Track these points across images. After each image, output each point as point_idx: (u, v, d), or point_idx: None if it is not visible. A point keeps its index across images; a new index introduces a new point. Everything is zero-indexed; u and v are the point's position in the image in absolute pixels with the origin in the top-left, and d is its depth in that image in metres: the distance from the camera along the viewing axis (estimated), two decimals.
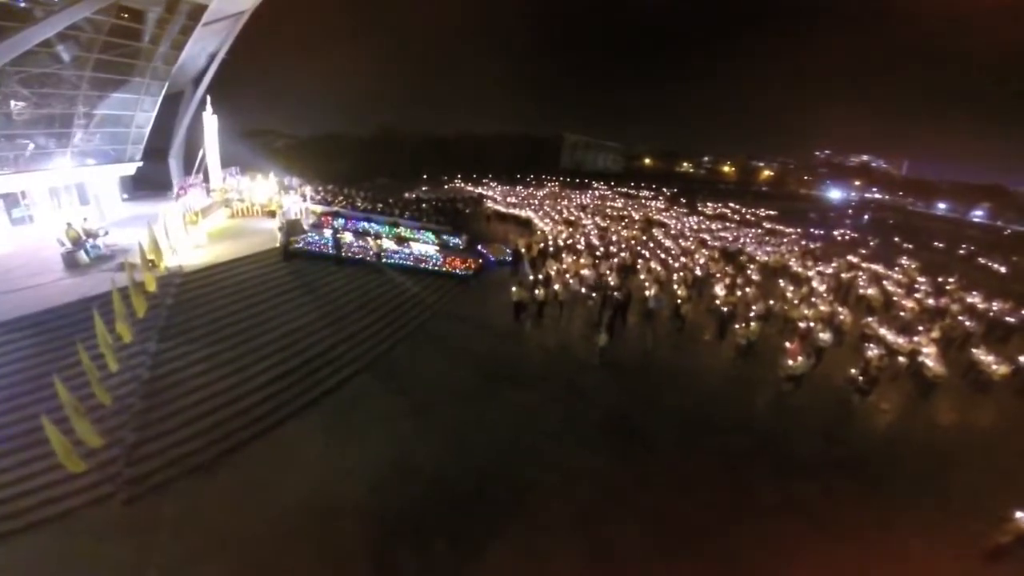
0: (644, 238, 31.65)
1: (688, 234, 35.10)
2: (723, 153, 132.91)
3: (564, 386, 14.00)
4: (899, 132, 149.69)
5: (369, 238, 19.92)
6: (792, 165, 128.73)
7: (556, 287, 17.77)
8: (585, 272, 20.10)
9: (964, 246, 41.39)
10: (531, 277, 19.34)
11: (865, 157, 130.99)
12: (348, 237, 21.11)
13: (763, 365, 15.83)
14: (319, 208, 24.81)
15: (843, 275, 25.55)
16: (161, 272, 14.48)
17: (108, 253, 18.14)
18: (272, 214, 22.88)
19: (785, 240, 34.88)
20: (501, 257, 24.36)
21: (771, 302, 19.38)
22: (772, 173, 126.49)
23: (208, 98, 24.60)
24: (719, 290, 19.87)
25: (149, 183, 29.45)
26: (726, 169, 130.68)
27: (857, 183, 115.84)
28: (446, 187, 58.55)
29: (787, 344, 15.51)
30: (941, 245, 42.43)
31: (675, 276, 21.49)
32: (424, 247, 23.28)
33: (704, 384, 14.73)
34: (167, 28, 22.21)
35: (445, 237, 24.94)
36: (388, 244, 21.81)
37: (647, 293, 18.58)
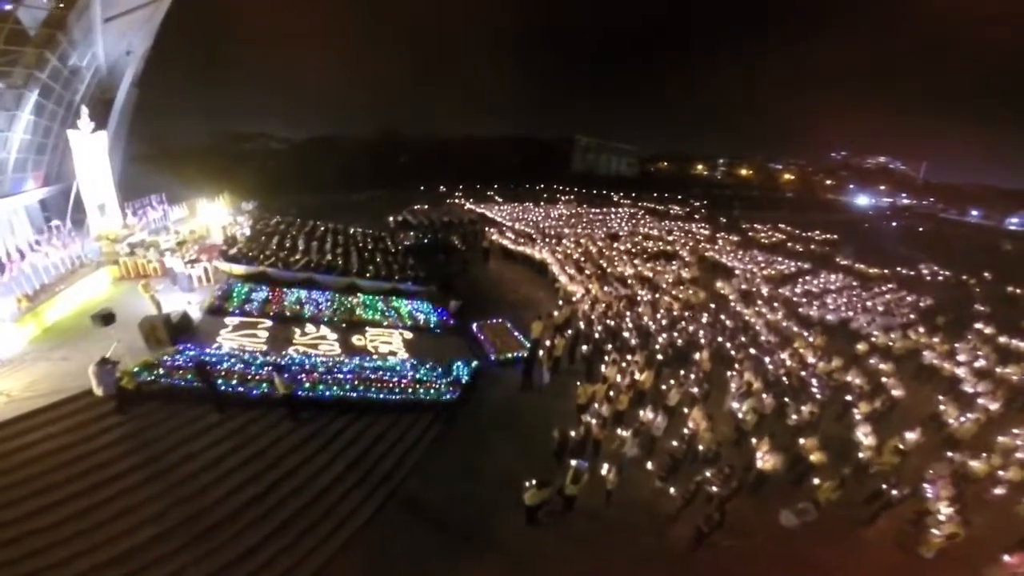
0: (712, 306, 22.00)
1: (762, 286, 25.93)
2: (737, 155, 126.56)
3: None
4: (911, 132, 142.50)
5: (275, 375, 10.37)
6: (810, 168, 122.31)
7: (603, 470, 9.74)
8: (649, 415, 11.64)
9: None
10: (558, 443, 11.16)
11: (882, 159, 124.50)
12: (248, 346, 12.97)
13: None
14: (239, 268, 16.92)
15: (998, 369, 17.56)
16: None
17: None
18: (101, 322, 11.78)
19: (887, 296, 26.23)
20: (508, 354, 15.77)
21: (951, 456, 11.59)
22: (793, 177, 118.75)
23: (84, 109, 16.88)
24: (862, 435, 11.93)
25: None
26: (744, 172, 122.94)
27: (881, 187, 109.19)
28: (446, 202, 50.04)
29: (1005, 558, 9.13)
30: None
31: (787, 402, 13.33)
32: (389, 337, 15.36)
33: None
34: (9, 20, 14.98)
35: (422, 315, 17.11)
36: (327, 340, 14.02)
37: (760, 462, 10.52)
